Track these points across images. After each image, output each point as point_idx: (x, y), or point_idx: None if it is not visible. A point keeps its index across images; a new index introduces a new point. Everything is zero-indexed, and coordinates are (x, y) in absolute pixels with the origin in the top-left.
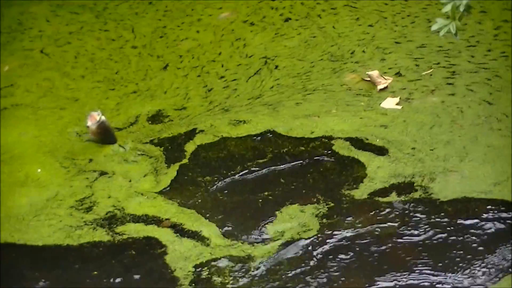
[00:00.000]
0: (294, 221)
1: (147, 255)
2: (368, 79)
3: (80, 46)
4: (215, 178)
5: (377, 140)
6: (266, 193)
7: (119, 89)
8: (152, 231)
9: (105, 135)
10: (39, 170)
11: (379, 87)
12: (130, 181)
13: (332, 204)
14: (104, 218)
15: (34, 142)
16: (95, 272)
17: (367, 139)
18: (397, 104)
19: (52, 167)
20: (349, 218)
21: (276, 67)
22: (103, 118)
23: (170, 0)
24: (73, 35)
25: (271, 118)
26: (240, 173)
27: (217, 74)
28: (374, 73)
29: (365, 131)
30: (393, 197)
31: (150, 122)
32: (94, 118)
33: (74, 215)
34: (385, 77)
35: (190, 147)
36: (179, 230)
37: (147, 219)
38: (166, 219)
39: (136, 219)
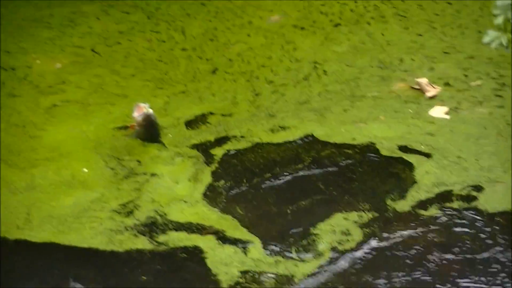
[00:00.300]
0: (337, 231)
1: (190, 261)
2: (417, 87)
3: (130, 46)
4: (252, 183)
5: (422, 147)
6: (304, 201)
7: (167, 89)
8: (195, 238)
9: (150, 129)
10: (85, 170)
11: (428, 95)
12: (172, 184)
13: (376, 214)
14: (145, 224)
15: (81, 137)
16: (144, 277)
17: (412, 146)
18: (445, 113)
19: (98, 166)
20: (392, 228)
21: (325, 72)
22: (150, 110)
23: (222, 1)
24: (123, 35)
25: (317, 124)
26: (278, 179)
27: (266, 79)
28: (423, 81)
29: (410, 138)
30: (437, 206)
31: (194, 124)
32: (141, 110)
33: (115, 219)
34: (434, 86)
35: (222, 152)
36: (220, 237)
37: (189, 226)
38: (208, 227)
39: (179, 226)
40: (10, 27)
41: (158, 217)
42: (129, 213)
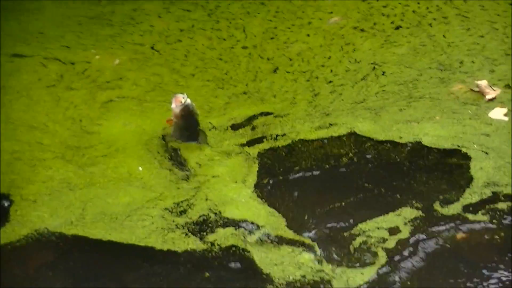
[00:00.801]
0: (386, 230)
1: (242, 260)
2: (477, 89)
3: (191, 44)
4: (294, 180)
5: (475, 146)
6: (349, 199)
7: (228, 88)
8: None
9: (188, 120)
10: (140, 168)
11: (488, 97)
12: (225, 184)
13: (423, 215)
14: (196, 222)
15: (137, 131)
16: (207, 274)
17: (464, 145)
18: (504, 114)
19: (153, 166)
20: (441, 229)
21: (383, 73)
22: (188, 101)
23: (282, 1)
24: (184, 32)
25: (368, 122)
26: (319, 176)
27: (326, 79)
28: (483, 82)
29: (463, 138)
30: (488, 207)
31: (245, 123)
32: (179, 101)
33: (165, 218)
34: (494, 88)
35: (265, 149)
36: (269, 236)
37: (242, 224)
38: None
39: (232, 223)
40: (71, 24)
41: (212, 215)
42: (182, 212)
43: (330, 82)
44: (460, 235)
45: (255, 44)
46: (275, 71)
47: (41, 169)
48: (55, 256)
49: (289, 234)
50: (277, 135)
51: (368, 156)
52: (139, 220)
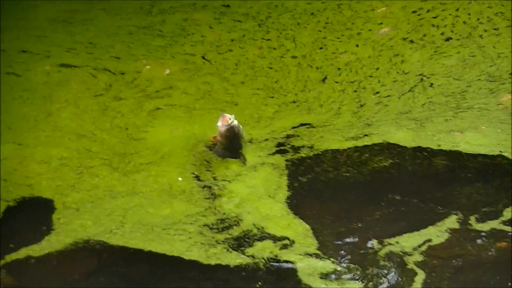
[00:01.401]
0: (421, 244)
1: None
2: None
3: (241, 54)
4: (323, 192)
5: None
6: (378, 211)
7: (278, 98)
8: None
9: (232, 141)
10: (180, 179)
11: None
12: (259, 197)
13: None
14: (237, 238)
15: (184, 136)
16: (259, 283)
17: (507, 151)
18: None
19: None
20: (482, 243)
21: (431, 85)
22: (235, 122)
23: (332, 13)
24: (235, 42)
25: (408, 132)
26: (348, 185)
27: (373, 89)
28: None
29: (506, 145)
30: None
31: (289, 134)
32: (226, 120)
33: (204, 234)
34: None
35: (294, 159)
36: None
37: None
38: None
39: (273, 238)
40: (121, 34)
41: (255, 230)
42: (223, 229)
43: (377, 93)
44: (500, 244)
45: (305, 53)
46: (323, 80)
47: (87, 177)
48: (99, 264)
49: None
50: (303, 146)
51: (406, 165)
52: (176, 235)
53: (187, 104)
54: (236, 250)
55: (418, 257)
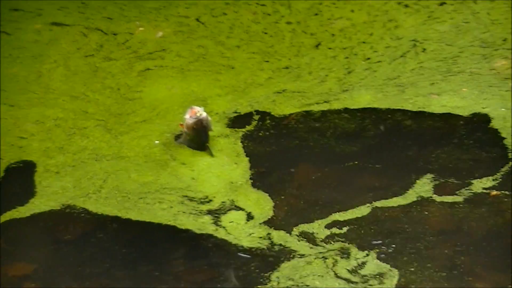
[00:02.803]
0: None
1: None
2: None
3: (236, 18)
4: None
5: (503, 109)
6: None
7: (273, 62)
8: None
9: (198, 134)
10: (156, 142)
11: None
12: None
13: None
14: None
15: (183, 94)
16: None
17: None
18: None
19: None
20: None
21: (424, 50)
22: (203, 115)
23: None
24: (230, 6)
25: (378, 96)
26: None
27: (364, 55)
28: None
29: (484, 104)
30: None
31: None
32: (194, 113)
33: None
34: None
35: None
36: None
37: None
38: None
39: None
40: None
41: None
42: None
43: (368, 59)
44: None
45: (299, 20)
46: (317, 46)
47: (77, 138)
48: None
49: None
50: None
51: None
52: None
53: (180, 66)
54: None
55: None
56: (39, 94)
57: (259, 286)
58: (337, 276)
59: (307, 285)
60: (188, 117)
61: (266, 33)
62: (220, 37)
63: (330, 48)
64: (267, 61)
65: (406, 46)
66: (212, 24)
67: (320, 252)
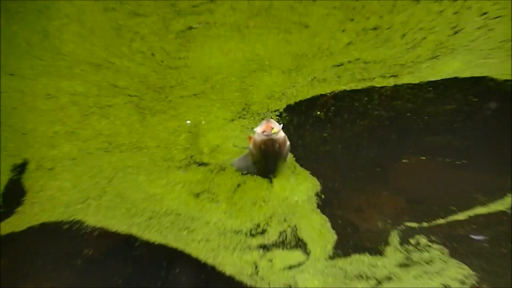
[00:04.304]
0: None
1: None
2: None
3: None
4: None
5: None
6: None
7: (359, 21)
8: None
9: (266, 159)
10: (188, 122)
11: None
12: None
13: None
14: None
15: (245, 57)
16: None
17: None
18: None
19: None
20: None
21: None
22: (281, 134)
23: None
24: None
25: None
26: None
27: (480, 9)
28: None
29: None
30: None
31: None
32: (270, 127)
33: None
34: None
35: None
36: None
37: None
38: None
39: None
40: None
41: None
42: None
43: (485, 14)
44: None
45: None
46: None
47: (94, 120)
48: None
49: None
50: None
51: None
52: None
53: (235, 22)
54: None
55: None
56: (46, 61)
57: None
58: None
59: None
60: (259, 132)
61: None
62: None
63: (436, 1)
64: (352, 19)
65: None
66: None
67: None
